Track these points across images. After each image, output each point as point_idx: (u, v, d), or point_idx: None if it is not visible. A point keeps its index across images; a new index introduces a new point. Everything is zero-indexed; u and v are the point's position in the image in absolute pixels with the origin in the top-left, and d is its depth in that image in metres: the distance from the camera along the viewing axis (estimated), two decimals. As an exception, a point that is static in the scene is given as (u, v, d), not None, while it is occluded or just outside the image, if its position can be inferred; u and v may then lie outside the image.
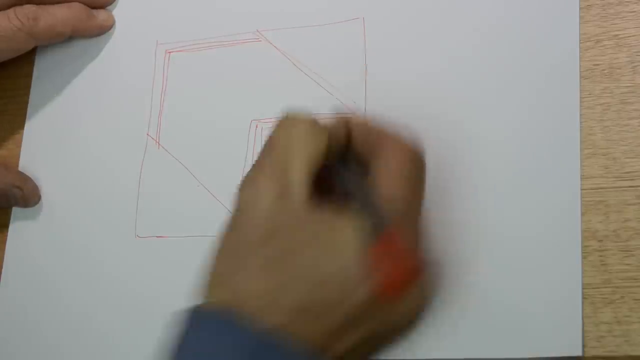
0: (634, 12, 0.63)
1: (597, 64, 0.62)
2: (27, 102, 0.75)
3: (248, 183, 0.56)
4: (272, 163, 0.56)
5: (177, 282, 0.66)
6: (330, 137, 0.57)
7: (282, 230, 0.54)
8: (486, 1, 0.66)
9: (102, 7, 0.75)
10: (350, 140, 0.58)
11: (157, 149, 0.70)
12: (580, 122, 0.61)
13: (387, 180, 0.56)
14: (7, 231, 0.72)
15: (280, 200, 0.55)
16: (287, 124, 0.57)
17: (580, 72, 0.62)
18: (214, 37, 0.71)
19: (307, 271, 0.54)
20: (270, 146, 0.57)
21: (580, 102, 0.62)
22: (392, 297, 0.54)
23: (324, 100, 0.67)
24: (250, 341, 0.52)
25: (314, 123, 0.57)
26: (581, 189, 0.60)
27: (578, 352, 0.57)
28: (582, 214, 0.60)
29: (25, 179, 0.71)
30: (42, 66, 0.75)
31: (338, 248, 0.54)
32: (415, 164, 0.57)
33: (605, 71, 0.62)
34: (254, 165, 0.57)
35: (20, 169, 0.73)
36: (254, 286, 0.54)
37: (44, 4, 0.72)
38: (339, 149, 0.58)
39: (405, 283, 0.54)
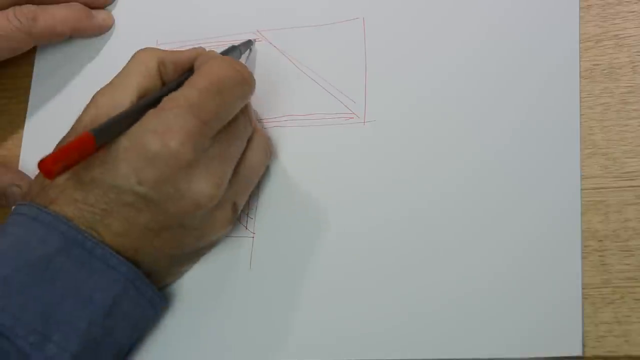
0: (634, 12, 0.63)
1: (597, 64, 0.62)
2: (27, 102, 0.75)
3: (93, 97, 0.63)
4: (113, 83, 0.63)
5: (177, 282, 0.66)
6: (173, 67, 0.64)
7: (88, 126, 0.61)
8: (486, 1, 0.66)
9: (101, 7, 0.75)
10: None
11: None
12: (580, 122, 0.61)
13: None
14: (7, 231, 0.72)
15: (101, 110, 0.62)
16: (134, 55, 0.65)
17: (580, 72, 0.62)
18: (214, 37, 0.71)
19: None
20: (120, 71, 0.64)
21: (580, 102, 0.62)
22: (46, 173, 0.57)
23: (323, 100, 0.67)
24: (56, 234, 0.59)
25: (151, 53, 0.64)
26: (581, 189, 0.60)
27: (578, 352, 0.57)
28: (582, 214, 0.60)
29: (25, 177, 0.71)
30: (42, 66, 0.75)
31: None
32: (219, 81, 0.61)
33: (605, 71, 0.62)
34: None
35: (20, 169, 0.73)
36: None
37: (44, 4, 0.72)
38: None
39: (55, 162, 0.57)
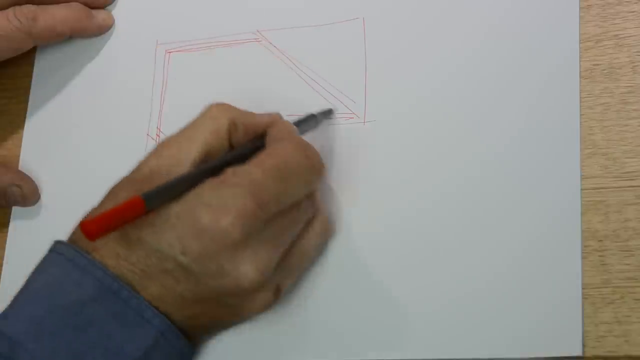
0: (634, 12, 0.63)
1: (597, 64, 0.62)
2: (27, 102, 0.75)
3: (157, 145, 0.61)
4: (180, 135, 0.61)
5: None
6: (244, 129, 0.62)
7: (143, 185, 0.59)
8: (486, 1, 0.66)
9: (101, 7, 0.75)
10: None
11: (157, 149, 0.70)
12: (580, 122, 0.61)
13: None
14: (7, 231, 0.72)
15: (160, 166, 0.60)
16: (207, 109, 0.62)
17: (580, 72, 0.62)
18: (214, 37, 0.71)
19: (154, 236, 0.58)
20: (189, 122, 0.62)
21: (580, 102, 0.62)
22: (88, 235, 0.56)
23: (323, 101, 0.67)
24: (92, 279, 0.58)
25: (225, 111, 0.62)
26: (581, 189, 0.60)
27: (578, 352, 0.57)
28: (582, 214, 0.60)
29: (25, 177, 0.71)
30: (42, 66, 0.75)
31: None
32: (287, 164, 0.59)
33: (605, 71, 0.62)
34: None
35: (20, 168, 0.73)
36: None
37: (44, 4, 0.72)
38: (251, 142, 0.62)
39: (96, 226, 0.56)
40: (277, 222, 0.59)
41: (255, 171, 0.58)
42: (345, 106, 0.67)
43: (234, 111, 0.62)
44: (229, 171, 0.58)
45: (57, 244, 0.60)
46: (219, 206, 0.57)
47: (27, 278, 0.60)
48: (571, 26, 0.63)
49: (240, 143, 0.62)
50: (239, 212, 0.57)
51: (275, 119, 0.62)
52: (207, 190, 0.58)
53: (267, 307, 0.61)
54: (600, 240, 0.59)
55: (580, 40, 0.63)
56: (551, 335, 0.58)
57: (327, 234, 0.63)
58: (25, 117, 0.74)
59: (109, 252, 0.59)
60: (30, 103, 0.75)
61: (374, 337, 0.61)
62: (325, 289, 0.63)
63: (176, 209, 0.57)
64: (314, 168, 0.61)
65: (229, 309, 0.60)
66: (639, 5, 0.63)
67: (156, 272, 0.58)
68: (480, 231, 0.61)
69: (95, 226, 0.55)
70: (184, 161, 0.59)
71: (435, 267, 0.61)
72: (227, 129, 0.61)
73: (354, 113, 0.66)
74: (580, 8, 0.64)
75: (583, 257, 0.59)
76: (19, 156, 0.73)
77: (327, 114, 0.66)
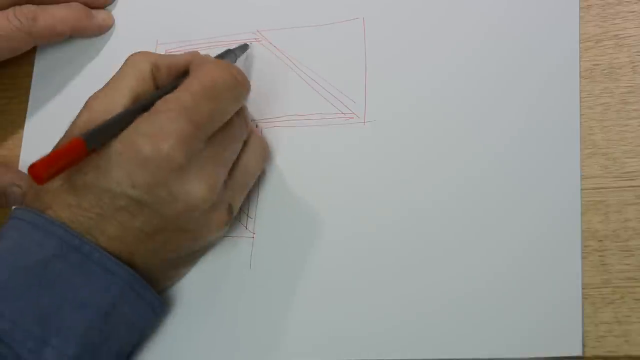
0: (634, 12, 0.63)
1: (597, 64, 0.62)
2: (27, 102, 0.75)
3: (87, 101, 0.63)
4: (106, 88, 0.63)
5: (177, 282, 0.67)
6: (167, 70, 0.64)
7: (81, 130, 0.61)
8: (486, 1, 0.66)
9: (101, 6, 0.75)
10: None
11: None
12: (580, 122, 0.61)
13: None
14: (7, 231, 0.72)
15: (94, 114, 0.62)
16: (128, 58, 0.65)
17: (580, 72, 0.62)
18: (214, 37, 0.71)
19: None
20: (113, 75, 0.64)
21: (580, 102, 0.62)
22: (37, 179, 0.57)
23: (324, 100, 0.67)
24: (54, 238, 0.59)
25: (145, 56, 0.64)
26: (581, 189, 0.60)
27: (578, 352, 0.57)
28: (582, 214, 0.60)
29: (24, 177, 0.71)
30: (42, 66, 0.75)
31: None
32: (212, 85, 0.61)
33: (605, 71, 0.62)
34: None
35: (20, 169, 0.73)
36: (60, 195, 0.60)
37: (44, 3, 0.72)
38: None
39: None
40: (215, 141, 0.61)
41: (185, 95, 0.60)
42: (345, 106, 0.67)
43: (154, 56, 0.64)
44: (159, 102, 0.60)
45: (15, 210, 0.62)
46: (157, 134, 0.59)
47: None
48: (571, 26, 0.63)
49: (165, 84, 0.64)
50: (178, 136, 0.59)
51: (194, 55, 0.65)
52: (143, 122, 0.59)
53: (224, 226, 0.63)
54: (600, 240, 0.59)
55: (580, 40, 0.63)
56: (551, 335, 0.58)
57: (266, 152, 0.66)
58: (25, 117, 0.74)
59: (61, 205, 0.60)
60: (30, 103, 0.75)
61: (374, 337, 0.61)
62: (325, 288, 0.63)
63: (116, 145, 0.59)
64: (239, 83, 0.63)
65: (188, 233, 0.62)
66: (639, 5, 0.63)
67: (111, 212, 0.59)
68: (480, 231, 0.61)
69: (42, 166, 0.57)
70: (115, 111, 0.61)
71: (435, 267, 0.61)
72: (150, 73, 0.63)
73: (354, 113, 0.66)
74: (580, 8, 0.64)
75: (583, 257, 0.59)
76: (19, 156, 0.73)
77: (244, 48, 0.69)
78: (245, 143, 0.64)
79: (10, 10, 0.71)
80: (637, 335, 0.57)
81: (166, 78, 0.64)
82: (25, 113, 0.74)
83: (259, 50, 0.70)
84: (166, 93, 0.61)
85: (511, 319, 0.59)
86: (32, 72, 0.75)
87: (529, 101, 0.63)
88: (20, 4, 0.71)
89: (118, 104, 0.62)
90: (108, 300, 0.59)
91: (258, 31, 0.71)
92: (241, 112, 0.64)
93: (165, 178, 0.59)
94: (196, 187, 0.60)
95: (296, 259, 0.64)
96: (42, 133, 0.73)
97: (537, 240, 0.60)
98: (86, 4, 0.74)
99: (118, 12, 0.75)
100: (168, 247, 0.62)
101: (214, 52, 0.67)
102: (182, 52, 0.66)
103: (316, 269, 0.63)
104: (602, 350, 0.57)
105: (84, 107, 0.63)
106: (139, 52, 0.64)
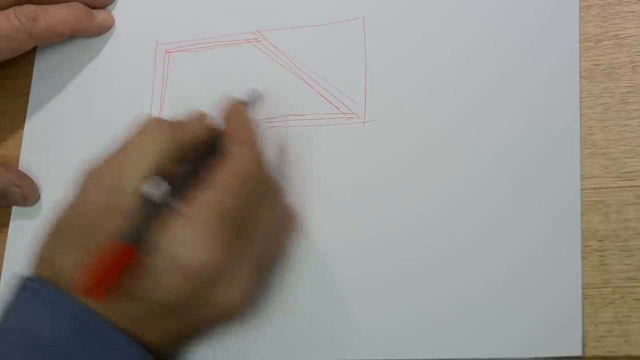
0: (634, 12, 0.63)
1: (597, 64, 0.62)
2: (27, 102, 0.75)
3: (91, 173, 0.61)
4: (113, 160, 0.60)
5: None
6: (184, 133, 0.61)
7: (103, 223, 0.58)
8: (486, 1, 0.66)
9: (101, 7, 0.75)
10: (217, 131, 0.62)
11: (157, 149, 0.70)
12: (580, 122, 0.61)
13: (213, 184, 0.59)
14: (7, 231, 0.72)
15: (109, 197, 0.59)
16: (138, 127, 0.62)
17: (580, 72, 0.62)
18: (214, 37, 0.71)
19: None
20: (119, 145, 0.61)
21: (580, 102, 0.62)
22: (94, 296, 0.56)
23: (324, 100, 0.67)
24: (68, 318, 0.57)
25: (159, 124, 0.61)
26: (581, 189, 0.60)
27: (578, 352, 0.57)
28: (582, 214, 0.60)
29: (24, 177, 0.71)
30: (42, 66, 0.75)
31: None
32: (246, 181, 0.60)
33: (605, 71, 0.62)
34: (101, 159, 0.61)
35: (20, 168, 0.73)
36: (74, 269, 0.57)
37: (44, 3, 0.72)
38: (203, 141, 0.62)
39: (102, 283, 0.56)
40: (249, 238, 0.60)
41: (221, 198, 0.58)
42: (345, 106, 0.67)
43: (171, 131, 0.61)
44: (198, 205, 0.58)
45: (33, 280, 0.59)
46: (195, 242, 0.57)
47: (3, 315, 0.59)
48: (571, 26, 0.63)
49: (187, 149, 0.61)
50: (216, 244, 0.57)
51: (215, 130, 0.62)
52: (178, 228, 0.57)
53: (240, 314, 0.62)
54: (600, 240, 0.59)
55: (580, 40, 0.63)
56: (551, 335, 0.58)
57: (290, 229, 0.64)
58: (25, 117, 0.74)
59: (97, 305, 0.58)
60: (30, 103, 0.75)
61: (374, 337, 0.61)
62: (325, 288, 0.63)
63: (152, 253, 0.57)
64: (272, 181, 0.62)
65: (216, 328, 0.62)
66: (639, 5, 0.63)
67: (141, 315, 0.58)
68: (480, 231, 0.61)
69: (101, 288, 0.55)
70: (131, 190, 0.59)
71: (436, 268, 0.61)
72: (170, 152, 0.60)
73: (354, 113, 0.66)
74: (580, 8, 0.64)
75: (583, 257, 0.59)
76: (19, 156, 0.73)
77: (258, 97, 0.67)
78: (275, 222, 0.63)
79: (10, 11, 0.70)
80: (637, 335, 0.57)
81: (188, 147, 0.61)
82: (25, 113, 0.74)
83: (259, 50, 0.70)
84: (194, 167, 0.60)
85: (511, 319, 0.59)
86: (32, 72, 0.75)
87: (529, 101, 0.63)
88: (20, 4, 0.71)
89: (130, 186, 0.59)
90: None
91: (258, 31, 0.70)
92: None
93: (202, 287, 0.57)
94: (234, 295, 0.59)
95: (295, 258, 0.64)
96: (42, 133, 0.73)
97: (537, 240, 0.60)
98: (86, 4, 0.73)
99: (118, 12, 0.75)
100: (184, 334, 0.61)
101: (214, 52, 0.67)
102: (193, 117, 0.63)
103: (316, 269, 0.63)
104: (602, 350, 0.57)
105: (91, 180, 0.61)
106: (155, 123, 0.61)
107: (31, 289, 0.59)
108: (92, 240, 0.58)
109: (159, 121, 0.62)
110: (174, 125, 0.62)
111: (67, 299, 0.57)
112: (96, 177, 0.60)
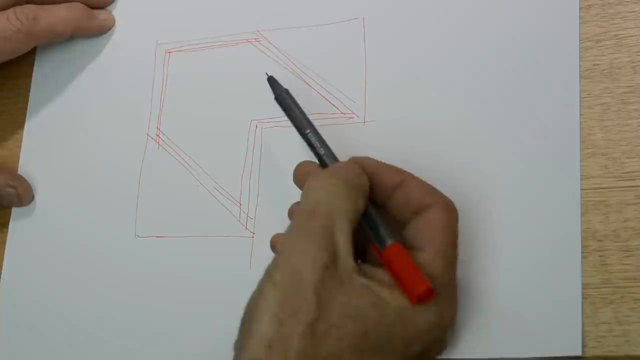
0: (634, 12, 0.63)
1: (597, 64, 0.62)
2: (27, 102, 0.75)
3: (294, 248, 0.55)
4: (318, 229, 0.55)
5: (176, 282, 0.67)
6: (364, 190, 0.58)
7: (333, 302, 0.54)
8: (486, 2, 0.65)
9: (102, 7, 0.75)
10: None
11: (157, 148, 0.70)
12: (580, 122, 0.61)
13: (431, 254, 0.56)
14: (7, 231, 0.72)
15: (329, 271, 0.54)
16: (324, 184, 0.57)
17: (580, 72, 0.62)
18: (214, 37, 0.71)
19: (358, 344, 0.54)
20: (312, 209, 0.56)
21: (580, 102, 0.62)
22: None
23: (323, 100, 0.67)
24: None
25: (349, 180, 0.57)
26: (581, 189, 0.60)
27: (578, 352, 0.57)
28: (582, 214, 0.60)
29: (18, 177, 0.72)
30: (42, 66, 0.75)
31: (387, 322, 0.54)
32: (454, 230, 0.58)
33: (605, 71, 0.62)
34: (294, 228, 0.56)
35: (20, 169, 0.73)
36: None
37: (44, 4, 0.72)
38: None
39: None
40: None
41: (436, 264, 0.56)
42: (345, 106, 0.67)
43: (361, 188, 0.57)
44: (439, 284, 0.55)
45: None
46: (440, 321, 0.56)
47: None
48: (571, 26, 0.63)
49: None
50: (450, 321, 0.57)
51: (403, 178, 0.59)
52: (426, 315, 0.55)
53: None
54: (600, 240, 0.59)
55: (580, 40, 0.63)
56: (551, 335, 0.58)
57: None
58: (25, 117, 0.74)
59: None
60: (30, 103, 0.75)
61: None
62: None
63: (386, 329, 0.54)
64: (457, 223, 0.58)
65: None
66: (639, 5, 0.63)
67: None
68: (480, 231, 0.61)
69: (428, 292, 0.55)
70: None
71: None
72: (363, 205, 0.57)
73: (354, 113, 0.66)
74: (580, 8, 0.64)
75: (583, 257, 0.59)
76: (19, 156, 0.73)
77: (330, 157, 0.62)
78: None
79: (10, 11, 0.70)
80: (637, 335, 0.57)
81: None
82: (25, 113, 0.74)
83: (259, 50, 0.70)
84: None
85: (511, 319, 0.59)
86: (32, 72, 0.75)
87: (529, 101, 0.63)
88: (20, 4, 0.71)
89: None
90: None
91: (258, 31, 0.71)
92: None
93: (436, 340, 0.57)
94: (446, 342, 0.59)
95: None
96: (42, 133, 0.73)
97: (537, 240, 0.60)
98: (87, 4, 0.73)
99: (118, 12, 0.75)
100: None
101: (214, 52, 0.67)
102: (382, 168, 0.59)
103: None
104: (602, 350, 0.57)
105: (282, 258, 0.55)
106: (350, 186, 0.57)
107: None
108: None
109: (341, 177, 0.57)
110: (356, 183, 0.57)
111: None
112: (303, 252, 0.55)
